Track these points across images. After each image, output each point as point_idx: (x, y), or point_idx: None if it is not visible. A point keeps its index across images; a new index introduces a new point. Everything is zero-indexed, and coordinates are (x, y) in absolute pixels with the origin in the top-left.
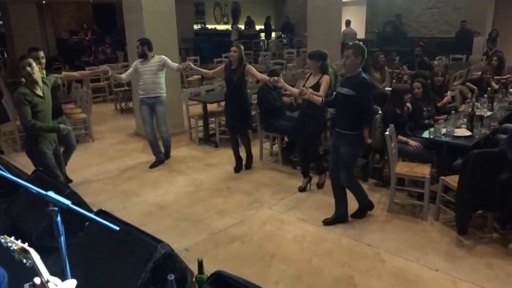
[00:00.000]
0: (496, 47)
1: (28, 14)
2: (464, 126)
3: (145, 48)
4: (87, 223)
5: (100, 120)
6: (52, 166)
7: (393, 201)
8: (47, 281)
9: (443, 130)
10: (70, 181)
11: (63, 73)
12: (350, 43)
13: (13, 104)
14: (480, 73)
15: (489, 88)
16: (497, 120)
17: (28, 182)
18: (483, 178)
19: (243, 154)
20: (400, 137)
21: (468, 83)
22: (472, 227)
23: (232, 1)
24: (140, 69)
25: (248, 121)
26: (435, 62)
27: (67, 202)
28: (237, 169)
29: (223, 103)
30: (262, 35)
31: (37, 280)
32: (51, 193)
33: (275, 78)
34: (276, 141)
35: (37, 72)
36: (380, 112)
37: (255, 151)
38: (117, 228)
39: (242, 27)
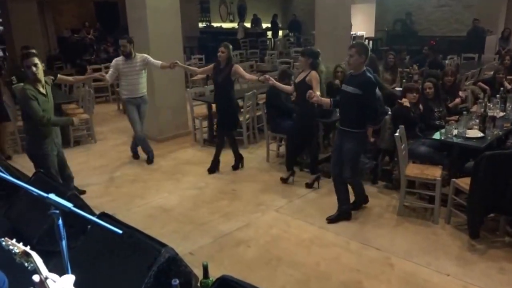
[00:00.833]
0: (509, 46)
1: (28, 12)
2: (476, 127)
3: (131, 47)
4: (89, 226)
5: (103, 120)
6: (54, 169)
7: (403, 204)
8: (46, 278)
9: (455, 131)
10: (83, 192)
11: (58, 76)
12: (354, 42)
13: (19, 102)
14: (492, 72)
15: (501, 88)
16: (510, 121)
17: (29, 184)
18: (496, 180)
19: (227, 157)
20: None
21: (480, 83)
22: (484, 230)
23: None
24: (123, 69)
25: (234, 122)
26: (446, 61)
27: (69, 204)
28: (212, 169)
29: None
30: (269, 33)
31: (36, 278)
32: (52, 196)
33: (266, 76)
34: (283, 142)
35: (41, 71)
36: (389, 113)
37: (262, 152)
38: (120, 232)
39: (248, 25)
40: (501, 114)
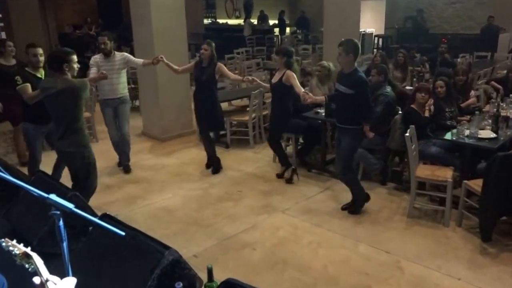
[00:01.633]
0: None
1: (29, 8)
2: (488, 127)
3: (112, 45)
4: (90, 227)
5: None
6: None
7: (413, 206)
8: (47, 280)
9: (467, 132)
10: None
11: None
12: (342, 39)
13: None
14: (505, 71)
15: None
16: None
17: (29, 185)
18: (509, 182)
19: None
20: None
21: (493, 82)
22: (496, 233)
23: None
24: (103, 68)
25: (218, 121)
26: (458, 60)
27: (70, 205)
28: (215, 169)
29: (234, 102)
30: (276, 30)
31: (36, 280)
32: (53, 196)
33: (249, 77)
34: (290, 142)
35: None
36: (400, 112)
37: (269, 152)
38: (123, 233)
39: (255, 21)
40: None
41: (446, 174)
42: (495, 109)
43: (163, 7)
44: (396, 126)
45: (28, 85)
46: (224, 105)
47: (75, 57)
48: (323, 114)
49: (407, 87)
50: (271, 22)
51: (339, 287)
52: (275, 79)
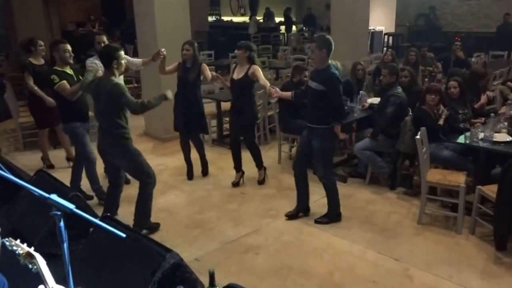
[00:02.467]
0: None
1: (32, 5)
2: (504, 130)
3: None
4: (91, 229)
5: None
6: None
7: (424, 211)
8: None
9: (481, 135)
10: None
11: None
12: (315, 35)
13: (106, 100)
14: None
15: None
16: None
17: (31, 184)
18: None
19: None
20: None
21: (509, 83)
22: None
23: None
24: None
25: (203, 123)
26: (473, 59)
27: (71, 206)
28: (190, 175)
29: None
30: (282, 28)
31: None
32: (54, 196)
33: (214, 74)
34: (295, 143)
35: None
36: (410, 113)
37: (273, 154)
38: (124, 235)
39: (260, 19)
40: None
41: (458, 179)
42: (511, 111)
43: (166, 4)
44: (406, 128)
45: (66, 82)
46: (228, 105)
47: (122, 53)
48: None
49: None
50: (277, 19)
51: None
52: (238, 75)
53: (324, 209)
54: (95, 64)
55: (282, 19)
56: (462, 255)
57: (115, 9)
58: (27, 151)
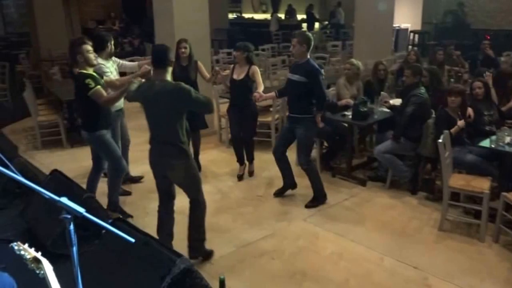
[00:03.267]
0: None
1: (53, 2)
2: None
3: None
4: (103, 230)
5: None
6: None
7: (446, 218)
8: None
9: (507, 139)
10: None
11: (104, 78)
12: (296, 31)
13: (174, 103)
14: None
15: None
16: None
17: (44, 185)
18: None
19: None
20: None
21: None
22: None
23: None
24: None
25: (204, 120)
26: (502, 58)
27: (81, 209)
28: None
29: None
30: (304, 25)
31: None
32: (64, 199)
33: (215, 69)
34: (314, 145)
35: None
36: (433, 116)
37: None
38: (132, 240)
39: (282, 16)
40: None
41: (482, 184)
42: None
43: (186, 0)
44: (429, 131)
45: (101, 88)
46: None
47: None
48: (350, 117)
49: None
50: (299, 17)
51: None
52: (239, 75)
53: (347, 213)
54: (103, 66)
55: (304, 16)
56: (484, 264)
57: (136, 6)
58: (45, 149)
